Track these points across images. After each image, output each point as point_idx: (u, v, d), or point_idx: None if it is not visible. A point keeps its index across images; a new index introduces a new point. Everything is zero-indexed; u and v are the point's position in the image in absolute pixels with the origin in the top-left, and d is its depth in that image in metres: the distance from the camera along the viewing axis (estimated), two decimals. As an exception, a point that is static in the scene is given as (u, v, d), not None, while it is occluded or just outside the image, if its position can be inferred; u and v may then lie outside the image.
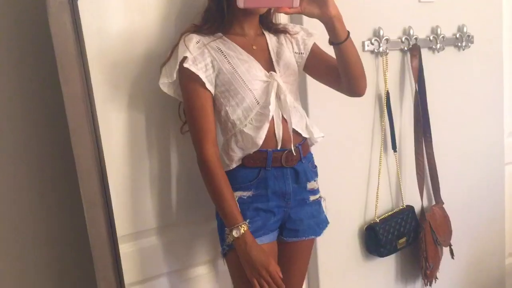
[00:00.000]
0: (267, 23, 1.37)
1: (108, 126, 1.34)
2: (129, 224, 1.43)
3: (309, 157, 1.40)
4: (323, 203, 1.46)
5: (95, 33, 1.30)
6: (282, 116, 1.28)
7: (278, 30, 1.37)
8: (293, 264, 1.39)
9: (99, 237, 0.98)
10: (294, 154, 1.30)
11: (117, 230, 1.13)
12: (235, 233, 1.21)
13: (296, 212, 1.35)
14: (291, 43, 1.37)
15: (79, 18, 0.97)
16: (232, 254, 1.27)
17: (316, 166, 1.44)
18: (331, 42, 1.23)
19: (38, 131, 1.36)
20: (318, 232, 1.41)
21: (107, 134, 1.29)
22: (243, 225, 1.22)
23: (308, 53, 1.37)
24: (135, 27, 1.36)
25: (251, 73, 1.25)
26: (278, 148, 1.28)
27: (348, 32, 1.21)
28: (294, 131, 1.31)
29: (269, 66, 1.29)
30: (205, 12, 1.28)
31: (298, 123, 1.32)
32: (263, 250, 1.23)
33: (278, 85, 1.26)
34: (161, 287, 1.51)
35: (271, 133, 1.27)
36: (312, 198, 1.38)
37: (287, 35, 1.37)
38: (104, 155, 1.03)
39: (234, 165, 1.29)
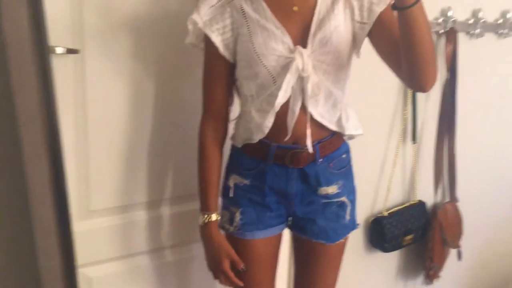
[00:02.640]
0: None
1: (95, 96, 1.20)
2: (108, 199, 1.29)
3: (332, 157, 1.13)
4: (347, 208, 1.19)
5: None
6: (303, 103, 1.05)
7: None
8: (314, 267, 1.22)
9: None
10: (306, 153, 1.08)
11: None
12: (200, 220, 1.14)
13: (302, 211, 1.16)
14: (352, 8, 1.05)
15: (42, 11, 0.77)
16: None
17: (344, 167, 1.17)
18: (394, 6, 0.92)
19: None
20: (333, 239, 1.16)
21: (92, 105, 1.17)
22: (211, 215, 1.13)
23: (371, 24, 1.04)
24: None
25: (268, 46, 1.02)
26: (286, 140, 1.06)
27: None
28: (318, 124, 1.08)
29: (304, 37, 1.04)
30: None
31: (326, 114, 1.08)
32: (222, 246, 1.13)
33: (303, 64, 1.01)
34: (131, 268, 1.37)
35: (283, 122, 1.05)
36: (325, 201, 1.16)
37: None
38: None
39: (239, 145, 1.15)
